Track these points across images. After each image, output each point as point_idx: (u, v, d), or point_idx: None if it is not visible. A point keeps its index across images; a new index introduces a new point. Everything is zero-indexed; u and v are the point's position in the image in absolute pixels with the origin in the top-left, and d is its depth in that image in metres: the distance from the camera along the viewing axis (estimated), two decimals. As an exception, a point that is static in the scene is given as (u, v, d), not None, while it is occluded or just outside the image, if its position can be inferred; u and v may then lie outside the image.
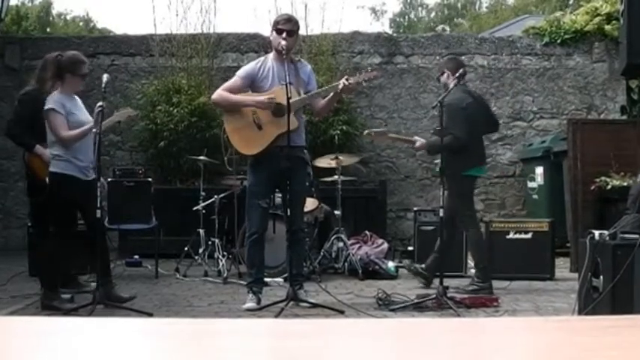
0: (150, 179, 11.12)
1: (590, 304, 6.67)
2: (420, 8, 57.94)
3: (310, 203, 9.90)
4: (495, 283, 9.70)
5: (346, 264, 10.50)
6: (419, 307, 7.97)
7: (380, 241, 11.12)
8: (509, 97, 15.00)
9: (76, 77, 8.16)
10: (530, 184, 13.61)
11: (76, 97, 8.28)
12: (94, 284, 8.51)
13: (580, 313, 6.86)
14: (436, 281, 8.42)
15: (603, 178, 10.41)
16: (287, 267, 8.66)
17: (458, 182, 9.32)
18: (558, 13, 17.06)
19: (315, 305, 7.92)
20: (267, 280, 8.94)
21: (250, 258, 8.36)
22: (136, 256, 11.41)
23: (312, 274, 10.01)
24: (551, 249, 10.30)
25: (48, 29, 37.33)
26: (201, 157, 11.08)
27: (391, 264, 10.59)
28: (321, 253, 10.77)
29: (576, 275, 7.78)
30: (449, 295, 8.01)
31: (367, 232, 11.35)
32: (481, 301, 8.26)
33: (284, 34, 8.07)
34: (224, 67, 14.53)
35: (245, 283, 8.67)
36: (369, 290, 9.06)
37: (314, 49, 14.33)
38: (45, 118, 8.02)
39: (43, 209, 8.64)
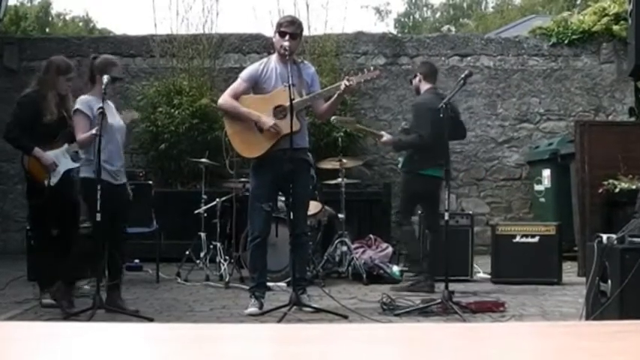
0: (150, 182, 11.15)
1: (597, 308, 6.66)
2: (425, 8, 57.86)
3: (313, 206, 9.89)
4: (501, 287, 9.72)
5: (350, 268, 10.49)
6: (424, 312, 7.97)
7: (384, 245, 11.12)
8: (516, 99, 14.99)
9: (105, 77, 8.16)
10: (537, 187, 13.60)
11: (109, 101, 8.24)
12: (87, 287, 8.57)
13: (588, 318, 6.85)
14: (441, 286, 8.42)
15: (611, 180, 10.40)
16: (290, 271, 8.64)
17: (411, 180, 9.76)
18: (566, 14, 17.05)
19: (318, 310, 7.91)
20: (269, 284, 8.94)
21: (253, 262, 8.37)
22: (137, 261, 11.41)
23: (316, 278, 10.00)
24: (558, 253, 10.29)
25: (47, 29, 37.32)
26: (203, 160, 11.08)
27: (396, 268, 10.59)
28: (325, 257, 10.76)
29: (584, 280, 7.77)
30: (454, 299, 8.01)
31: (371, 235, 11.35)
32: (487, 306, 8.25)
33: (287, 37, 8.07)
34: (226, 68, 14.54)
35: (247, 287, 8.67)
36: (374, 295, 9.04)
37: (317, 50, 14.33)
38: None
39: (42, 212, 8.66)
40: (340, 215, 10.88)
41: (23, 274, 10.09)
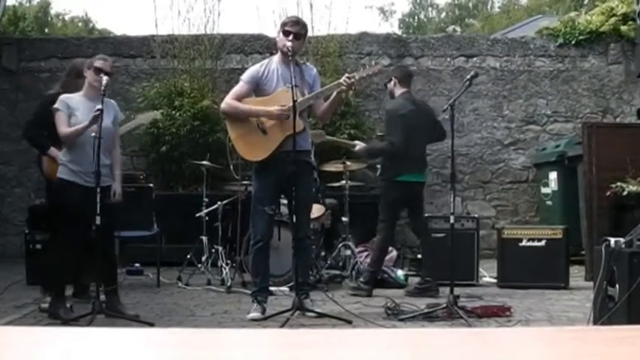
0: (151, 185, 11.13)
1: (605, 313, 6.66)
2: (430, 8, 57.87)
3: (317, 210, 9.89)
4: (507, 292, 9.71)
5: (354, 272, 10.49)
6: (429, 316, 7.96)
7: (389, 248, 11.11)
8: (522, 100, 14.99)
9: (90, 70, 8.14)
10: (544, 190, 13.60)
11: (107, 100, 8.16)
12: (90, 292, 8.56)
13: (595, 323, 6.85)
14: (446, 290, 8.42)
15: (619, 183, 10.38)
16: (293, 275, 8.66)
17: (389, 187, 9.80)
18: (573, 14, 17.02)
19: (321, 315, 7.90)
20: (272, 289, 8.93)
21: (255, 266, 8.36)
22: (137, 265, 11.41)
23: (319, 282, 9.99)
24: (565, 257, 10.27)
25: (46, 30, 37.33)
26: (204, 162, 11.08)
27: (400, 272, 10.58)
28: (328, 261, 10.77)
29: (591, 284, 7.76)
30: (460, 304, 8.01)
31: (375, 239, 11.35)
32: (493, 310, 8.24)
33: (291, 37, 8.07)
34: (228, 69, 14.55)
35: (249, 292, 8.66)
36: (378, 299, 9.04)
37: (320, 51, 14.34)
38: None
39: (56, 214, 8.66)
40: (344, 218, 10.88)
41: (22, 279, 10.09)
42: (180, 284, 10.44)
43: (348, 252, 10.71)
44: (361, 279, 9.82)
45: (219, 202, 10.80)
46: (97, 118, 7.58)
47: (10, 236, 14.43)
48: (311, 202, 8.67)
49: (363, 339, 1.90)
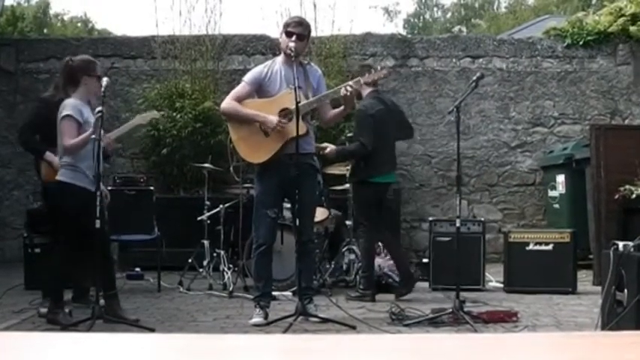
0: (152, 188, 11.13)
1: (614, 318, 6.65)
2: (435, 8, 57.95)
3: (320, 213, 9.89)
4: (514, 297, 9.71)
5: (358, 277, 10.48)
6: (434, 322, 7.96)
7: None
8: (529, 102, 14.98)
9: (92, 78, 8.17)
10: (551, 193, 13.59)
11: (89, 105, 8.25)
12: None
13: (603, 328, 6.84)
14: (452, 295, 8.41)
15: (628, 186, 10.38)
16: (296, 280, 8.65)
17: (362, 188, 9.86)
18: (580, 14, 17.00)
19: (325, 320, 7.89)
20: (275, 293, 8.95)
21: (257, 271, 8.36)
22: (137, 269, 11.40)
23: (322, 287, 10.01)
24: (573, 261, 10.26)
25: (45, 30, 37.40)
26: (206, 165, 11.08)
27: (405, 277, 10.57)
28: (332, 266, 10.76)
29: (599, 289, 7.76)
30: (465, 309, 8.01)
31: (380, 243, 11.34)
32: (499, 316, 8.24)
33: (294, 37, 8.08)
34: (230, 70, 14.55)
35: (252, 297, 8.67)
36: (382, 305, 9.05)
37: (324, 52, 14.34)
38: (59, 125, 8.01)
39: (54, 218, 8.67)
40: (348, 222, 10.88)
41: (20, 283, 10.10)
42: (181, 289, 10.44)
43: (352, 256, 10.69)
44: (360, 286, 9.85)
45: (221, 206, 10.80)
46: (99, 121, 7.60)
47: (9, 240, 14.43)
48: (314, 205, 8.67)
49: (367, 345, 1.90)
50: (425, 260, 11.07)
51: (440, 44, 15.23)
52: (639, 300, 6.34)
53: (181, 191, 13.81)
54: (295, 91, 7.69)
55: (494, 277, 10.98)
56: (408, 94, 14.84)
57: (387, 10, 56.30)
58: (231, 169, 10.25)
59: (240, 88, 8.35)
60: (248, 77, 8.37)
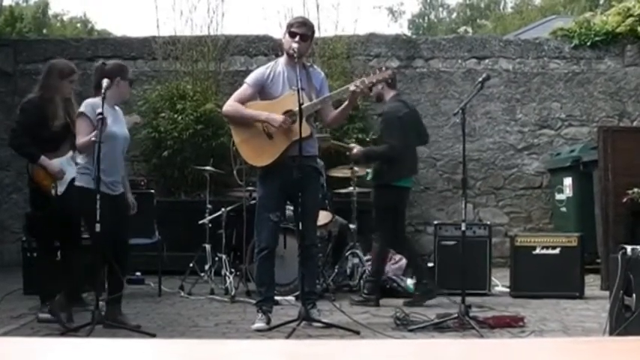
0: (152, 191, 11.15)
1: (622, 323, 6.65)
2: (440, 9, 57.95)
3: (323, 216, 9.88)
4: (521, 301, 9.70)
5: (362, 281, 10.47)
6: (439, 327, 7.96)
7: (398, 257, 11.07)
8: (536, 104, 14.97)
9: (126, 82, 8.22)
10: (558, 196, 13.59)
11: (117, 108, 8.31)
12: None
13: (611, 333, 6.84)
14: (457, 300, 8.41)
15: (636, 189, 10.36)
16: (299, 284, 8.63)
17: (385, 192, 9.80)
18: (588, 14, 17.01)
19: (328, 325, 7.89)
20: (277, 298, 8.94)
21: (260, 275, 8.36)
22: (138, 273, 11.42)
23: (326, 292, 10.00)
24: (580, 265, 10.25)
25: (44, 31, 37.42)
26: (207, 168, 11.08)
27: (410, 281, 10.53)
28: (335, 270, 10.75)
29: (607, 293, 7.76)
30: (471, 314, 8.01)
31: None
32: (506, 321, 8.23)
33: (297, 38, 8.08)
34: (232, 72, 14.56)
35: (254, 301, 8.67)
36: (387, 309, 9.04)
37: (327, 52, 14.35)
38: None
39: (46, 222, 8.67)
40: (352, 226, 10.88)
41: (19, 288, 10.11)
42: (182, 293, 10.44)
43: (356, 260, 10.69)
44: (364, 290, 9.84)
45: (222, 209, 10.80)
46: (101, 122, 7.60)
47: (7, 244, 14.44)
48: (317, 208, 8.66)
49: (371, 350, 1.90)
50: (430, 264, 11.06)
51: (445, 45, 15.23)
52: (648, 305, 6.35)
53: (182, 194, 13.81)
54: (298, 92, 7.69)
55: (500, 282, 10.98)
56: (413, 96, 14.82)
57: (391, 11, 56.36)
58: (234, 171, 10.24)
59: (242, 91, 8.35)
60: (250, 79, 8.38)
